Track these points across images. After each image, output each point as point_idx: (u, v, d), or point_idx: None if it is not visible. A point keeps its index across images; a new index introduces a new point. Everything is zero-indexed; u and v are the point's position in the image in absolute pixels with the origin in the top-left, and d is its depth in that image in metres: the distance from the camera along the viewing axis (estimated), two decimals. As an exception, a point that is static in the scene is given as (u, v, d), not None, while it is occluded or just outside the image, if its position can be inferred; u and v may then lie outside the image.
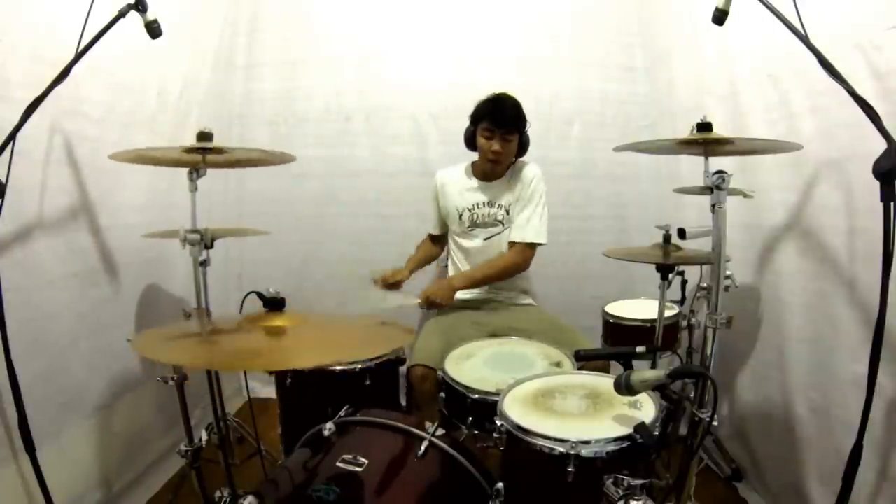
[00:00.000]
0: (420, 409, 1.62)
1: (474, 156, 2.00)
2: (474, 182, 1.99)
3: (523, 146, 1.95)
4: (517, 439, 1.09)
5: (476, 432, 1.35)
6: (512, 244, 1.95)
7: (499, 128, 1.85)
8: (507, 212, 1.98)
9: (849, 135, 1.37)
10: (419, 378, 1.61)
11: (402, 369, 1.70)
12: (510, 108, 1.85)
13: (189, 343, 1.05)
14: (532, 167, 1.99)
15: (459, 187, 1.99)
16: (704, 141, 1.33)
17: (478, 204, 1.98)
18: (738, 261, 1.81)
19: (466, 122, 1.95)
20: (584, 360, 1.47)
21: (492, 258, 1.96)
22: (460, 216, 1.98)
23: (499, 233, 2.00)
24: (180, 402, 1.27)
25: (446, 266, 2.16)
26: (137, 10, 1.33)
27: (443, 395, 1.45)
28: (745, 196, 1.50)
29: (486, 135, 1.87)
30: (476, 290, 2.02)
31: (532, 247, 1.94)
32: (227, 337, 1.10)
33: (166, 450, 2.03)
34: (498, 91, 1.91)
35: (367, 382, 1.55)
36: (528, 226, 1.93)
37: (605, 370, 1.58)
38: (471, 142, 1.95)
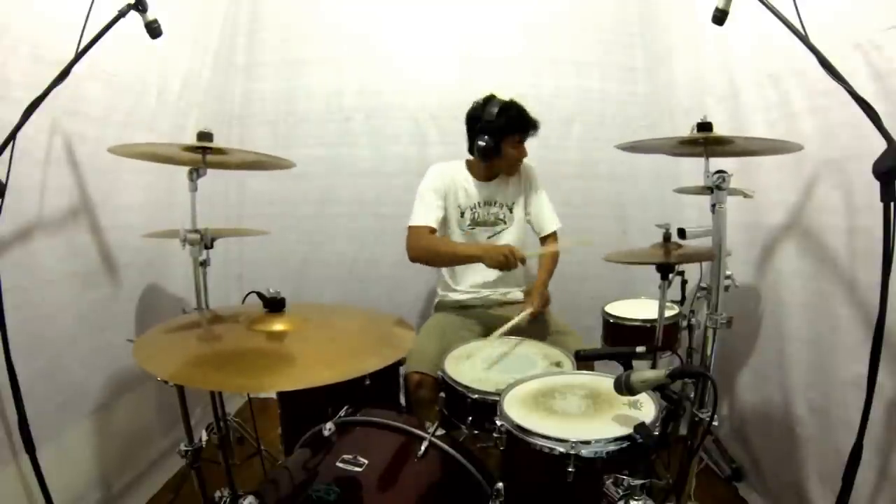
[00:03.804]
0: (416, 414, 1.62)
1: (466, 153, 1.99)
2: (474, 181, 1.99)
3: None
4: (517, 439, 1.09)
5: (476, 432, 1.35)
6: (546, 236, 2.06)
7: (526, 135, 1.90)
8: (510, 209, 2.01)
9: (849, 135, 1.37)
10: (415, 384, 1.62)
11: (402, 369, 1.70)
12: (526, 111, 1.89)
13: (192, 354, 1.05)
14: (526, 162, 2.05)
15: (461, 185, 1.98)
16: (705, 141, 1.33)
17: (479, 203, 1.98)
18: (738, 261, 1.81)
19: (466, 122, 1.94)
20: (585, 360, 1.48)
21: (545, 255, 2.04)
22: (462, 214, 1.98)
23: (501, 230, 2.01)
24: (180, 402, 1.27)
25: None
26: (137, 10, 1.33)
27: (443, 394, 1.45)
28: (745, 196, 1.50)
29: (519, 142, 1.90)
30: (472, 291, 2.02)
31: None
32: (230, 348, 1.09)
33: (166, 450, 2.03)
34: (499, 96, 1.90)
35: (367, 382, 1.55)
36: (553, 215, 2.06)
37: (592, 369, 1.58)
38: (489, 154, 1.87)
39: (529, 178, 2.05)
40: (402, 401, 1.77)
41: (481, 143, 1.85)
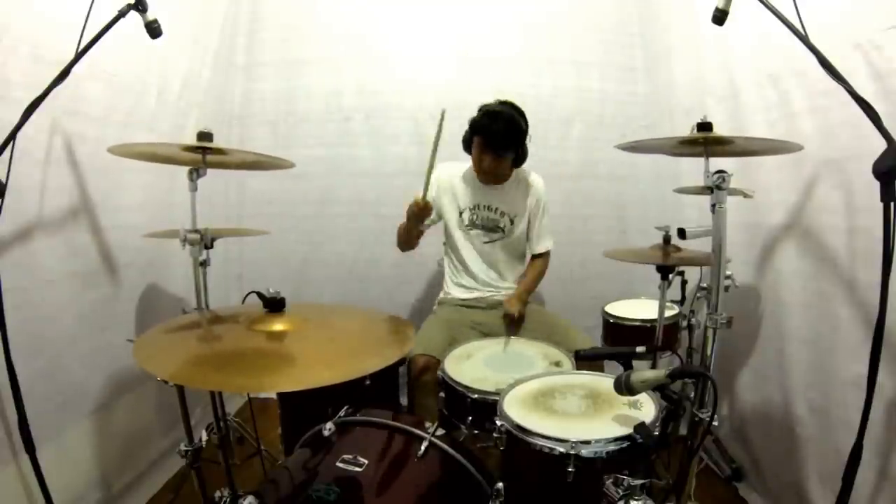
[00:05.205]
0: (418, 401, 1.61)
1: (466, 154, 1.98)
2: (477, 182, 1.98)
3: (520, 159, 1.93)
4: (517, 439, 1.09)
5: (476, 432, 1.35)
6: (538, 255, 2.07)
7: (489, 147, 1.82)
8: (512, 221, 1.99)
9: (849, 135, 1.37)
10: (420, 368, 1.61)
11: (402, 369, 1.70)
12: (504, 128, 1.79)
13: (192, 354, 1.05)
14: (538, 179, 2.04)
15: (462, 185, 1.98)
16: (705, 141, 1.33)
17: (479, 205, 1.98)
18: (738, 261, 1.81)
19: (466, 123, 1.94)
20: (584, 360, 1.47)
21: (532, 269, 2.07)
22: (461, 214, 1.97)
23: (498, 238, 2.00)
24: (180, 402, 1.27)
25: (441, 262, 2.15)
26: (137, 10, 1.33)
27: (443, 395, 1.45)
28: (745, 196, 1.50)
29: (479, 150, 1.85)
30: (476, 290, 2.02)
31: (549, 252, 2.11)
32: (230, 348, 1.09)
33: (166, 450, 2.03)
34: (500, 96, 1.90)
35: (367, 382, 1.55)
36: (547, 235, 2.07)
37: (601, 369, 1.58)
38: (467, 145, 1.93)
39: (539, 197, 2.02)
40: (404, 402, 1.77)
41: (465, 133, 1.92)
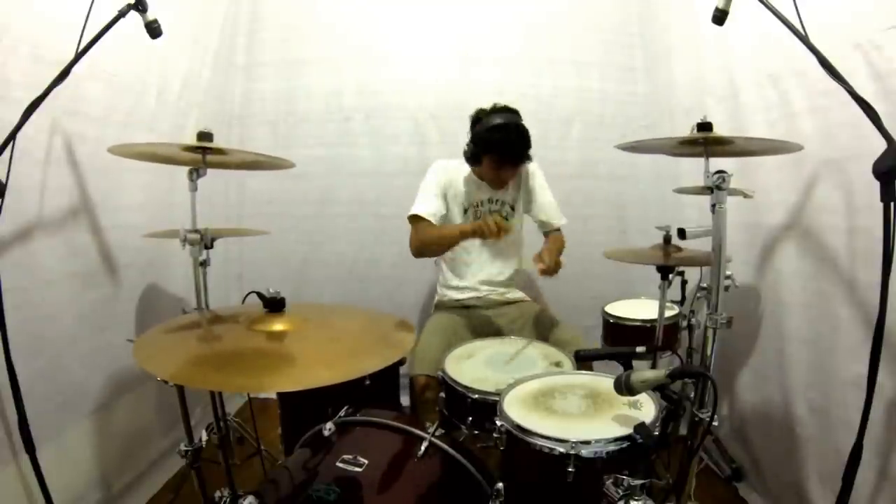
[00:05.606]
0: (424, 416, 1.61)
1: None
2: (477, 181, 1.98)
3: None
4: (517, 439, 1.09)
5: (476, 432, 1.35)
6: (554, 230, 2.06)
7: (511, 163, 1.82)
8: (513, 208, 2.02)
9: (849, 135, 1.37)
10: (422, 387, 1.62)
11: (402, 369, 1.70)
12: (519, 142, 1.78)
13: (192, 354, 1.05)
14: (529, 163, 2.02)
15: (465, 183, 1.98)
16: (705, 141, 1.33)
17: (482, 202, 1.98)
18: (738, 261, 1.81)
19: (466, 122, 1.92)
20: (584, 360, 1.48)
21: (552, 241, 2.02)
22: (465, 212, 1.98)
23: None
24: (180, 402, 1.27)
25: (438, 262, 2.14)
26: (137, 10, 1.33)
27: (443, 395, 1.45)
28: (745, 196, 1.50)
29: (496, 167, 1.83)
30: (474, 290, 2.02)
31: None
32: (230, 348, 1.09)
33: (166, 450, 2.03)
34: (500, 96, 1.88)
35: (367, 382, 1.55)
36: (556, 212, 2.06)
37: (590, 369, 1.58)
38: (471, 161, 1.90)
39: (527, 178, 2.03)
40: (404, 401, 1.78)
41: (466, 148, 1.89)
